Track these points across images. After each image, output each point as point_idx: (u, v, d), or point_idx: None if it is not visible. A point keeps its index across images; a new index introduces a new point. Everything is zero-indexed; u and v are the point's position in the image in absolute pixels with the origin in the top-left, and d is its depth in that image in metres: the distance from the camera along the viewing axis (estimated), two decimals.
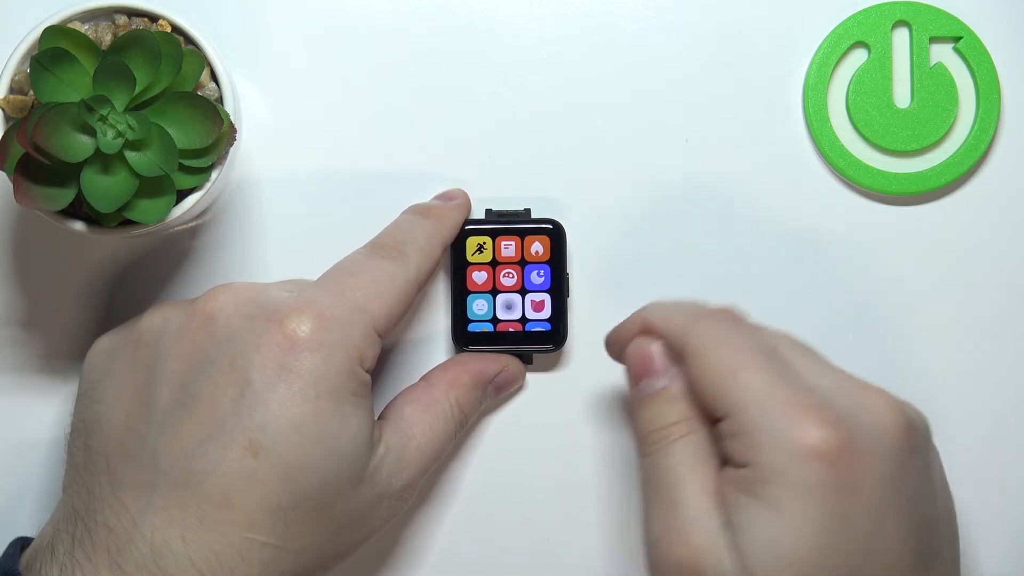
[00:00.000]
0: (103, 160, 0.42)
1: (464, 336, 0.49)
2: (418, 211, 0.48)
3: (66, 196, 0.42)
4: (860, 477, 0.38)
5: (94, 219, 0.44)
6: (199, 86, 0.45)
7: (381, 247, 0.45)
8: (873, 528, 0.38)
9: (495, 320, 0.49)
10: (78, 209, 0.44)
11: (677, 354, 0.42)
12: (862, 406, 0.39)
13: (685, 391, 0.41)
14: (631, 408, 0.43)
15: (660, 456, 0.41)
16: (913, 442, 0.40)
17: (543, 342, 0.49)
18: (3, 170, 0.41)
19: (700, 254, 0.50)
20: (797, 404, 0.38)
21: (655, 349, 0.42)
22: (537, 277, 0.49)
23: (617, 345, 0.45)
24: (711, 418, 0.40)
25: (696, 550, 0.38)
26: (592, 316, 0.50)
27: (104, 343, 0.45)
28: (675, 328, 0.42)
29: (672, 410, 0.41)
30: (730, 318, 0.42)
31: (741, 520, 0.38)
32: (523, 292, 0.49)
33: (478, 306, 0.49)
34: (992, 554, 0.51)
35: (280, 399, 0.40)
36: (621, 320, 0.45)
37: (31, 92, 0.44)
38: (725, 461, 0.40)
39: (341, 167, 0.50)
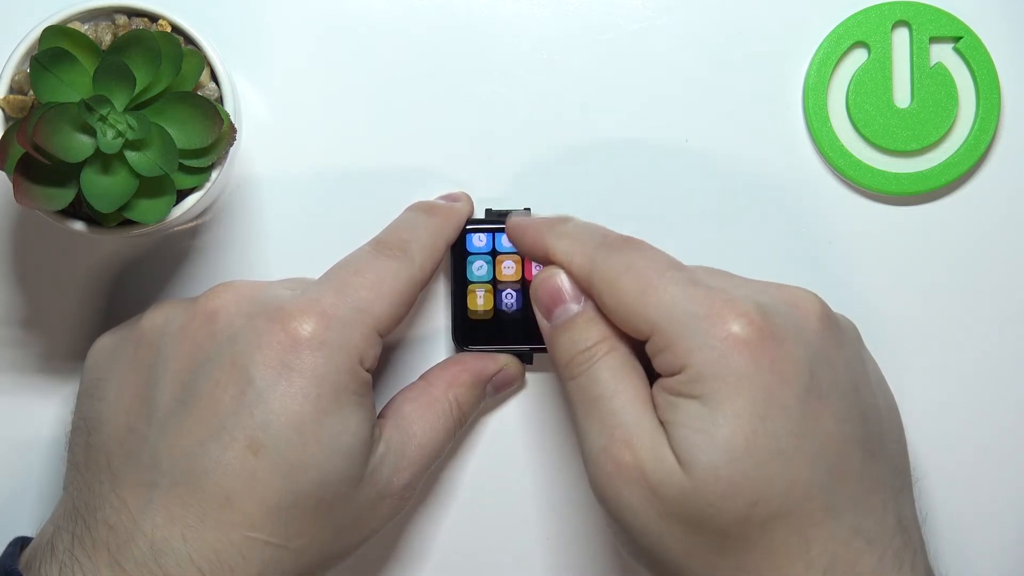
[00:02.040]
0: (103, 160, 0.42)
1: (464, 335, 0.49)
2: (422, 209, 0.48)
3: (66, 196, 0.42)
4: (785, 362, 0.39)
5: (94, 219, 0.44)
6: (199, 86, 0.45)
7: (385, 245, 0.45)
8: (804, 411, 0.39)
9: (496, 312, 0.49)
10: (78, 209, 0.44)
11: (584, 287, 0.42)
12: (781, 299, 0.41)
13: (599, 312, 0.42)
14: (548, 343, 0.43)
15: (590, 374, 0.41)
16: (836, 332, 0.41)
17: (543, 341, 0.49)
18: (3, 170, 0.41)
19: (700, 253, 0.50)
20: (715, 303, 0.39)
21: (563, 280, 0.43)
22: None
23: (519, 247, 0.45)
24: (632, 339, 0.41)
25: (638, 451, 0.39)
26: None
27: (105, 341, 0.45)
28: (578, 264, 0.42)
29: (592, 330, 0.42)
30: (630, 244, 0.42)
31: (677, 418, 0.39)
32: (523, 281, 0.48)
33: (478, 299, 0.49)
34: (992, 554, 0.51)
35: (281, 398, 0.40)
36: (526, 220, 0.45)
37: (31, 92, 0.44)
38: (656, 378, 0.40)
39: (341, 167, 0.50)
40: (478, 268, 0.48)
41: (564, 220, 0.44)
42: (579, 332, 0.42)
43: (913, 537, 0.41)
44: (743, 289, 0.41)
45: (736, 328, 0.39)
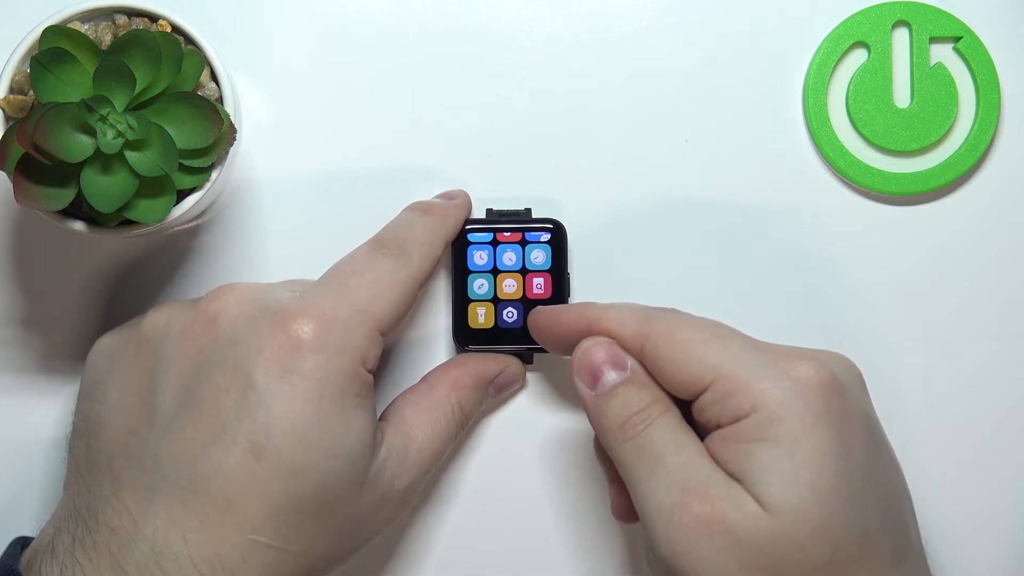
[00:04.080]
0: (103, 160, 0.42)
1: (465, 336, 0.49)
2: (419, 208, 0.48)
3: (66, 196, 0.42)
4: (852, 408, 0.40)
5: (94, 219, 0.44)
6: (199, 86, 0.45)
7: (383, 244, 0.45)
8: (870, 457, 0.39)
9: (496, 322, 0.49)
10: (78, 209, 0.44)
11: (635, 351, 0.42)
12: (829, 358, 0.41)
13: (648, 376, 0.42)
14: (591, 413, 0.43)
15: (647, 434, 0.41)
16: (868, 395, 0.42)
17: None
18: (3, 170, 0.41)
19: (700, 253, 0.50)
20: (780, 352, 0.40)
21: (607, 347, 0.42)
22: (538, 277, 0.49)
23: (550, 333, 0.45)
24: (681, 401, 0.41)
25: (716, 501, 0.38)
26: None
27: (106, 343, 0.45)
28: (631, 326, 0.42)
29: (645, 392, 0.42)
30: (676, 312, 0.43)
31: (755, 464, 0.39)
32: (524, 299, 0.48)
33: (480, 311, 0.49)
34: (992, 554, 0.51)
35: (283, 401, 0.40)
36: (555, 309, 0.45)
37: (31, 92, 0.44)
38: (708, 434, 0.40)
39: (341, 167, 0.50)
40: (479, 287, 0.48)
41: (594, 302, 0.44)
42: (632, 395, 0.41)
43: None
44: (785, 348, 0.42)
45: (807, 372, 0.39)
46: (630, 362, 0.42)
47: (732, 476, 0.39)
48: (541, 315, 0.46)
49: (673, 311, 0.43)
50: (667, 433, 0.41)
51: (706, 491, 0.39)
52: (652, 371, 0.42)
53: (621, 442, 0.41)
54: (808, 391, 0.39)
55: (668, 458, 0.40)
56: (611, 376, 0.42)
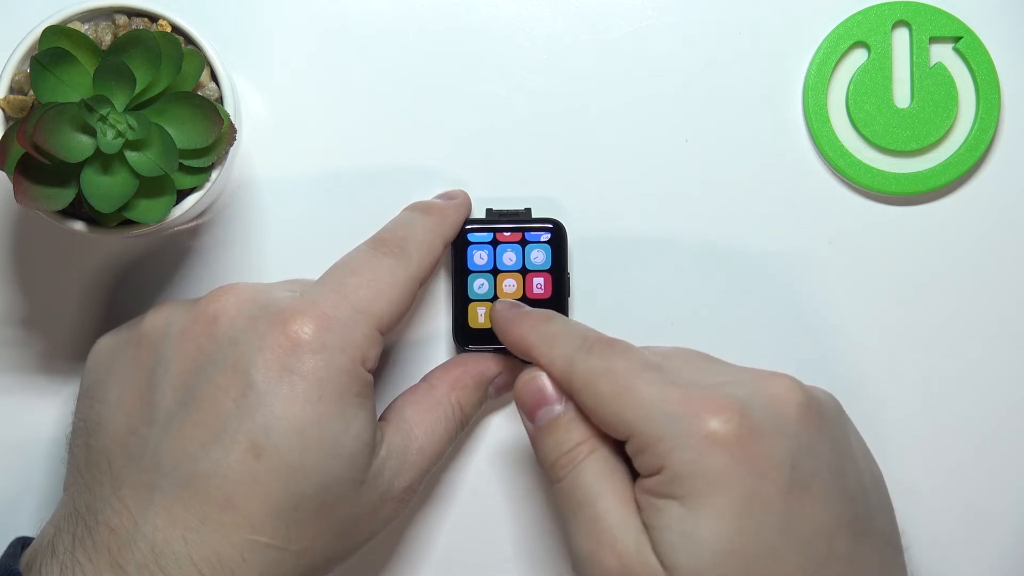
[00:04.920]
0: (103, 160, 0.42)
1: (465, 336, 0.49)
2: (419, 208, 0.48)
3: (66, 196, 0.42)
4: (765, 457, 0.38)
5: (94, 219, 0.44)
6: (199, 86, 0.45)
7: (382, 243, 0.45)
8: (788, 506, 0.38)
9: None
10: (78, 209, 0.44)
11: (564, 389, 0.42)
12: (758, 392, 0.40)
13: (580, 413, 0.42)
14: (533, 445, 0.43)
15: (572, 477, 0.41)
16: (816, 419, 0.40)
17: None
18: (3, 170, 0.41)
19: (700, 253, 0.50)
20: (692, 401, 0.39)
21: (544, 382, 0.43)
22: (538, 277, 0.49)
23: (500, 336, 0.45)
24: (614, 439, 0.41)
25: (624, 556, 0.39)
26: (592, 316, 0.50)
27: (106, 342, 0.45)
28: (558, 367, 0.42)
29: (574, 432, 0.42)
30: (609, 346, 0.42)
31: (660, 521, 0.39)
32: (524, 299, 0.48)
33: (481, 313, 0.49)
34: (992, 554, 0.51)
35: (283, 401, 0.40)
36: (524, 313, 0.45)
37: (31, 92, 0.44)
38: (636, 476, 0.40)
39: (341, 167, 0.50)
40: (479, 287, 0.48)
41: (548, 318, 0.44)
42: (561, 433, 0.42)
43: None
44: (720, 378, 0.41)
45: (714, 425, 0.38)
46: (563, 399, 0.42)
47: (646, 527, 0.39)
48: (495, 318, 0.46)
49: (604, 348, 0.42)
50: (590, 477, 0.41)
51: (614, 544, 0.39)
52: (583, 411, 0.42)
53: (553, 482, 0.42)
54: (713, 448, 0.38)
55: (587, 505, 0.40)
56: (545, 411, 0.42)
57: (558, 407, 0.42)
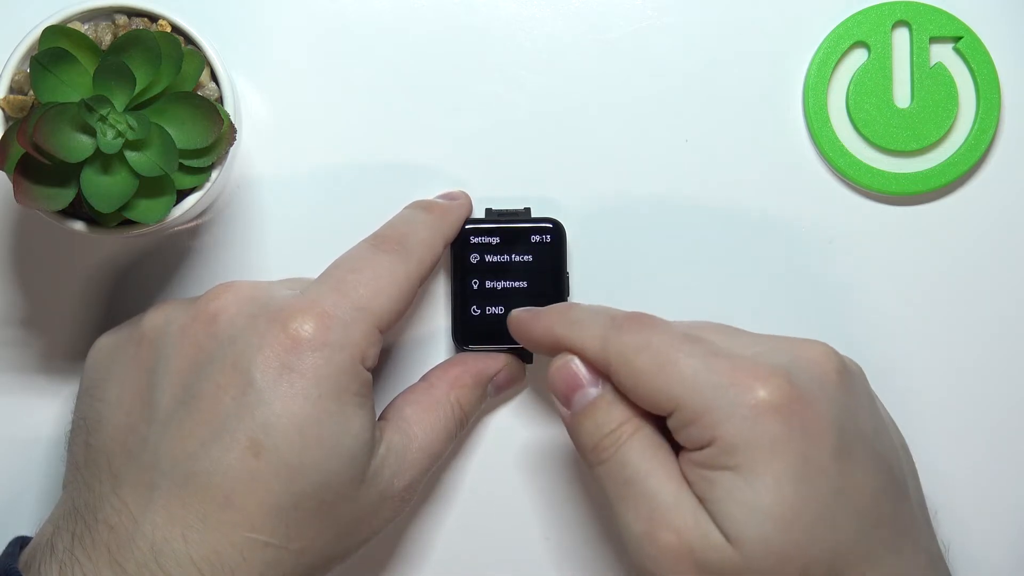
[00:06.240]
0: (103, 160, 0.42)
1: (464, 335, 0.49)
2: (420, 206, 0.48)
3: (66, 196, 0.42)
4: (815, 422, 0.38)
5: (94, 219, 0.44)
6: (199, 86, 0.45)
7: (383, 240, 0.45)
8: (838, 469, 0.38)
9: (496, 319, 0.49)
10: (78, 209, 0.44)
11: (600, 370, 0.42)
12: (798, 358, 0.40)
13: (619, 393, 0.41)
14: (570, 431, 0.43)
15: (618, 457, 0.41)
16: (851, 382, 0.41)
17: None
18: (3, 170, 0.41)
19: (699, 253, 0.50)
20: (738, 372, 0.39)
21: (578, 365, 0.42)
22: (537, 277, 0.49)
23: (526, 342, 0.45)
24: (653, 416, 0.41)
25: (683, 532, 0.39)
26: None
27: (106, 341, 0.45)
28: (591, 348, 0.42)
29: (615, 412, 0.41)
30: (641, 322, 0.42)
31: (716, 494, 0.38)
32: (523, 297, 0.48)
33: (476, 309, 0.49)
34: (992, 555, 0.51)
35: (282, 399, 0.40)
36: (532, 314, 0.45)
37: (31, 92, 0.44)
38: (680, 451, 0.40)
39: (341, 167, 0.50)
40: (479, 286, 0.49)
41: (569, 307, 0.44)
42: (602, 416, 0.41)
43: (941, 570, 0.41)
44: (757, 347, 0.41)
45: (763, 394, 0.38)
46: (599, 381, 0.42)
47: (700, 501, 0.39)
48: (515, 323, 0.45)
49: (635, 323, 0.41)
50: (636, 456, 0.40)
51: (672, 520, 0.39)
52: (620, 390, 0.41)
53: (595, 464, 0.42)
54: (765, 417, 0.38)
55: (638, 483, 0.40)
56: (581, 395, 0.42)
57: (594, 390, 0.42)
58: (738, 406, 0.38)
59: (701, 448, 0.39)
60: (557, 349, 0.43)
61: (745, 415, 0.38)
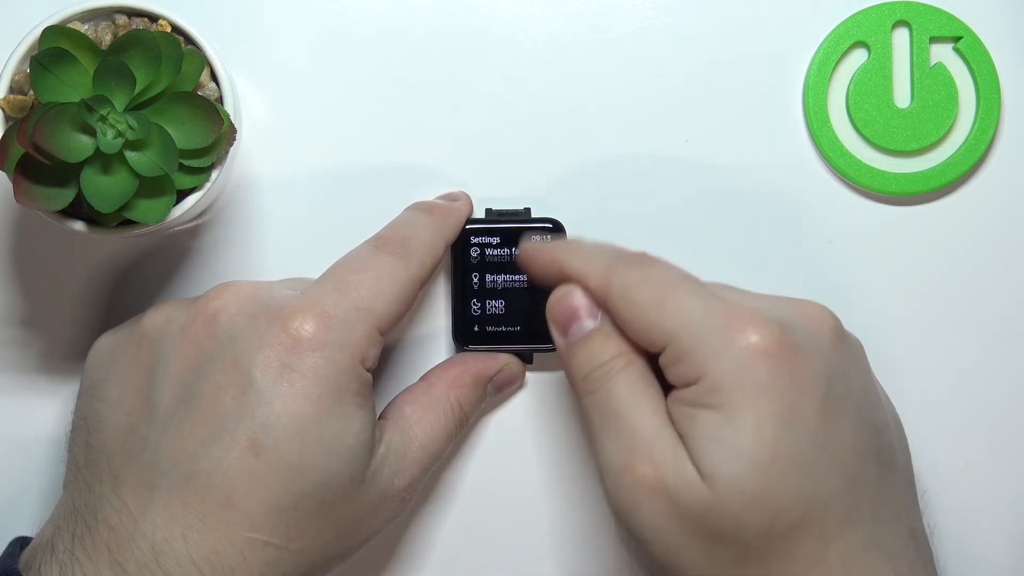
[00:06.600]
0: (103, 160, 0.42)
1: (465, 335, 0.49)
2: (422, 208, 0.48)
3: (66, 196, 0.42)
4: (804, 373, 0.39)
5: (94, 219, 0.44)
6: (199, 86, 0.45)
7: (384, 242, 0.45)
8: (824, 422, 0.38)
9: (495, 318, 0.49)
10: (78, 209, 0.44)
11: (600, 302, 0.42)
12: (796, 313, 0.41)
13: (615, 328, 0.42)
14: (563, 359, 0.43)
15: (607, 389, 0.41)
16: (848, 347, 0.41)
17: (543, 341, 0.49)
18: (3, 170, 0.41)
19: (700, 253, 0.50)
20: (733, 315, 0.39)
21: (578, 296, 0.42)
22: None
23: (529, 270, 0.45)
24: (647, 354, 0.41)
25: (660, 466, 0.39)
26: None
27: (106, 341, 0.45)
28: (593, 278, 0.42)
29: (609, 345, 0.41)
30: (646, 259, 0.42)
31: (696, 431, 0.38)
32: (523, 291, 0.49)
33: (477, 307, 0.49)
34: (991, 554, 0.51)
35: (282, 399, 0.40)
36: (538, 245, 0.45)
37: (31, 92, 0.44)
38: (669, 389, 0.40)
39: (341, 167, 0.50)
40: (479, 286, 0.49)
41: (579, 240, 0.44)
42: (596, 347, 0.41)
43: (924, 550, 0.41)
44: (758, 302, 0.41)
45: (755, 338, 0.38)
46: (598, 314, 0.42)
47: (681, 437, 0.39)
48: (523, 253, 0.45)
49: (641, 259, 0.42)
50: (625, 389, 0.40)
51: (651, 454, 0.39)
52: (617, 324, 0.42)
53: (584, 395, 0.42)
54: (754, 359, 0.38)
55: (622, 416, 0.40)
56: (578, 326, 0.42)
57: (591, 322, 0.42)
58: (729, 347, 0.38)
59: (688, 385, 0.39)
60: (561, 278, 0.43)
61: (735, 356, 0.38)
